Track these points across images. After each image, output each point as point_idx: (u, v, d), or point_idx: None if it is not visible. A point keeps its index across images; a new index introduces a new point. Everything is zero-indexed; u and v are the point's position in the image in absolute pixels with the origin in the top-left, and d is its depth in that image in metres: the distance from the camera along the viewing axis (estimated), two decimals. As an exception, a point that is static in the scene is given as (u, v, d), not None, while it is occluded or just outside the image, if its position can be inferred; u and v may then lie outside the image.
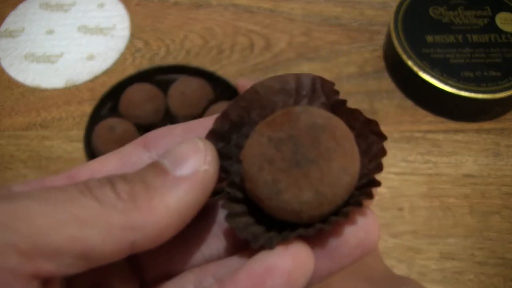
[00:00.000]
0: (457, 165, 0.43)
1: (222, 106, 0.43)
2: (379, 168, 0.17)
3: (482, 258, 0.39)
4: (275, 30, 0.51)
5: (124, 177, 0.16)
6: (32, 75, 0.49)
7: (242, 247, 0.18)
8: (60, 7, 0.54)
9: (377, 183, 0.16)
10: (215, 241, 0.18)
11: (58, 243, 0.14)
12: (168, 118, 0.46)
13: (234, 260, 0.17)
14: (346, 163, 0.16)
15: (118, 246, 0.15)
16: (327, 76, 0.49)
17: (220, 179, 0.17)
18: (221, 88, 0.45)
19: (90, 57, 0.50)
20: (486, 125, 0.45)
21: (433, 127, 0.45)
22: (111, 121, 0.43)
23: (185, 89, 0.44)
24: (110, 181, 0.16)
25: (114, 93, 0.45)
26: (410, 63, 0.45)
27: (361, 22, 0.51)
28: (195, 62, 0.49)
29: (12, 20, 0.53)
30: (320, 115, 0.17)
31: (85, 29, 0.52)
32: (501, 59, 0.45)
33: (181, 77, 0.45)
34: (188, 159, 0.16)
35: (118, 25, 0.52)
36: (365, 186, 0.17)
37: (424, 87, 0.44)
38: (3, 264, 0.13)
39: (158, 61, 0.50)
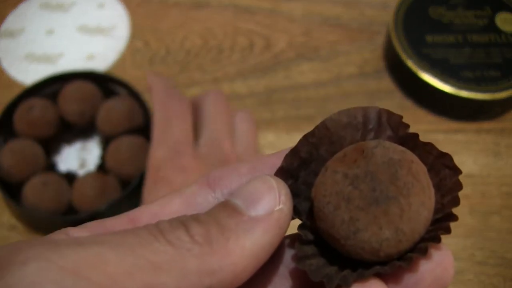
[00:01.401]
0: (457, 165, 0.43)
1: (112, 102, 0.42)
2: (456, 202, 0.16)
3: (482, 258, 0.39)
4: (275, 30, 0.51)
5: (197, 219, 0.15)
6: (32, 75, 0.49)
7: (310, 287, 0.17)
8: (60, 7, 0.54)
9: (454, 218, 0.16)
10: (282, 283, 0.18)
11: None
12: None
13: None
14: (424, 198, 0.16)
15: None
16: (327, 76, 0.49)
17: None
18: (111, 86, 0.44)
19: (90, 57, 0.50)
20: (486, 125, 0.45)
21: (433, 127, 0.45)
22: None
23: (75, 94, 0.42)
24: (183, 223, 0.15)
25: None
26: (410, 63, 0.45)
27: (361, 22, 0.51)
28: (195, 62, 0.49)
29: (12, 20, 0.53)
30: (394, 149, 0.16)
31: (85, 29, 0.52)
32: (501, 59, 0.45)
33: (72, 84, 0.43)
34: (262, 199, 0.16)
35: (118, 25, 0.52)
36: (439, 221, 0.16)
37: (424, 87, 0.44)
38: None
39: (158, 61, 0.50)
